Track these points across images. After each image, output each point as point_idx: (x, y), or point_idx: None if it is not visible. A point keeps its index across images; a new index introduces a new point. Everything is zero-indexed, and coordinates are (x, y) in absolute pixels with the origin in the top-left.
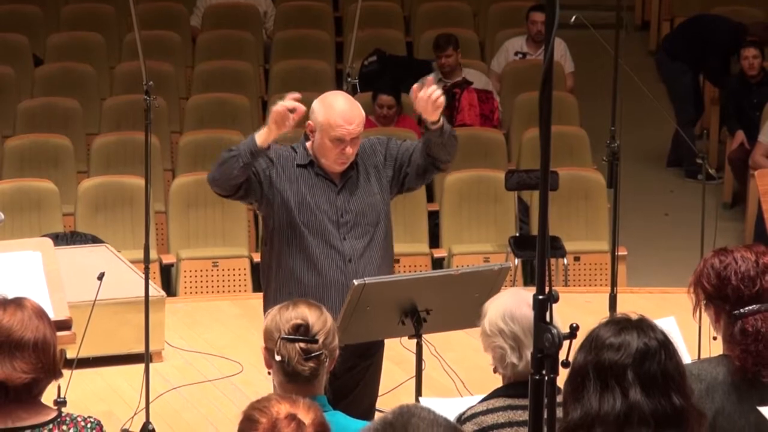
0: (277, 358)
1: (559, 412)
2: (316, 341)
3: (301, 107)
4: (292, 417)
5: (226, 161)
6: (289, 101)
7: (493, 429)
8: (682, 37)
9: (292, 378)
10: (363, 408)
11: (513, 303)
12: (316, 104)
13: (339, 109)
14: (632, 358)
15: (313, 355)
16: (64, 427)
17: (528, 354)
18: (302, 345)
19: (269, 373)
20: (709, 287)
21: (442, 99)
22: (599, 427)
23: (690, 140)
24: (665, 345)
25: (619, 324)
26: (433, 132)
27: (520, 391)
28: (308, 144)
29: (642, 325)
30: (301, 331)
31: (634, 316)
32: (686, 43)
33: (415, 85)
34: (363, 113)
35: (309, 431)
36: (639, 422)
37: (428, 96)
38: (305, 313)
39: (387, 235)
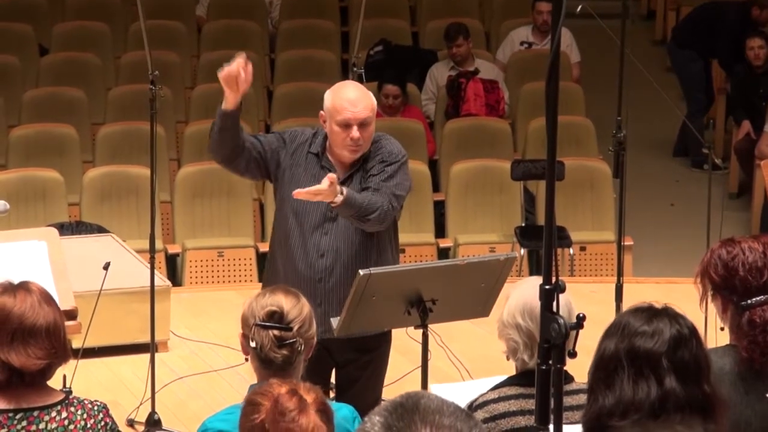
0: (252, 344)
1: (578, 400)
2: (290, 329)
3: (248, 65)
4: (293, 392)
5: (211, 134)
6: (234, 64)
7: (505, 417)
8: (692, 25)
9: (266, 365)
10: (369, 399)
11: (535, 297)
12: (327, 93)
13: (345, 95)
14: (666, 345)
15: (286, 342)
16: (72, 409)
17: None
18: (276, 332)
19: (246, 359)
20: (716, 278)
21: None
22: (634, 414)
23: (699, 129)
24: (695, 333)
25: (649, 312)
26: (338, 209)
27: (532, 380)
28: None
29: (671, 313)
30: (275, 318)
31: (658, 305)
32: (695, 31)
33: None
34: (373, 100)
35: (312, 409)
36: (674, 409)
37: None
38: (281, 301)
39: (376, 237)
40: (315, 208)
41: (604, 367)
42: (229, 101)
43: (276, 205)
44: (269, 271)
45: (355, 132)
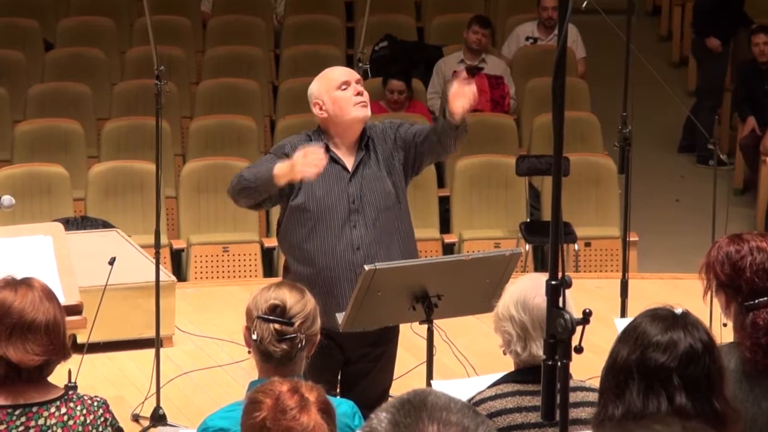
0: (253, 336)
1: (575, 397)
2: (292, 324)
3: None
4: (295, 390)
5: (245, 190)
6: (319, 157)
7: (502, 414)
8: (709, 12)
9: (266, 358)
10: (376, 394)
11: (529, 291)
12: (312, 84)
13: (330, 71)
14: (678, 361)
15: (286, 337)
16: (71, 404)
17: (532, 346)
18: (276, 326)
19: (249, 353)
20: (722, 276)
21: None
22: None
23: (710, 125)
24: (710, 348)
25: (666, 321)
26: (454, 125)
27: (529, 376)
28: (320, 123)
29: (687, 323)
30: (277, 312)
31: (678, 310)
32: (713, 17)
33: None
34: None
35: (314, 408)
36: (684, 426)
37: (465, 92)
38: (284, 295)
39: (399, 218)
40: (338, 203)
41: (615, 375)
42: (285, 179)
43: (288, 211)
44: (296, 269)
45: (357, 86)
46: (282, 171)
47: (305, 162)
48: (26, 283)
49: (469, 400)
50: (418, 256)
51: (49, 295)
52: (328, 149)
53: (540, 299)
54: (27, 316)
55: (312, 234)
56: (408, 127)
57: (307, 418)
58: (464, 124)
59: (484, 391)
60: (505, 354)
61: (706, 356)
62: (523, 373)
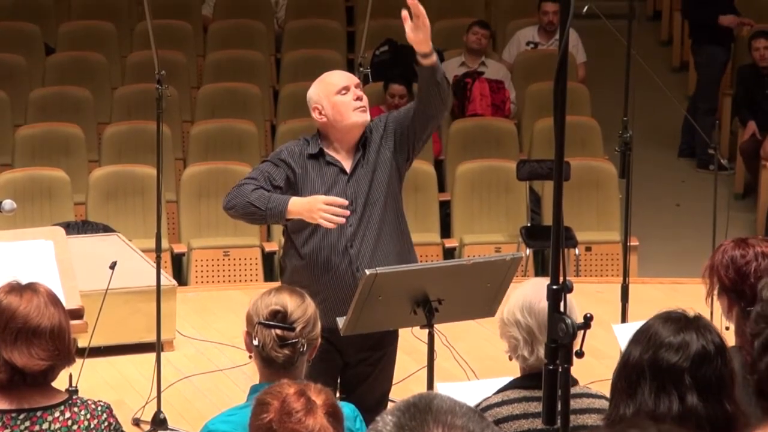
0: (254, 342)
1: (581, 403)
2: (293, 329)
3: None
4: (302, 393)
5: (251, 215)
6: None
7: (509, 420)
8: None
9: (268, 363)
10: (376, 398)
11: (534, 295)
12: (311, 89)
13: (329, 76)
14: (690, 361)
15: (288, 342)
16: (76, 409)
17: (540, 349)
18: (278, 332)
19: (250, 357)
20: (726, 280)
21: (426, 19)
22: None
23: (709, 128)
24: (722, 350)
25: (678, 323)
26: (426, 68)
27: (535, 382)
28: (319, 127)
29: (700, 325)
30: (279, 317)
31: (691, 313)
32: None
33: (404, 13)
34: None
35: (320, 411)
36: (695, 426)
37: (417, 16)
38: (285, 301)
39: (387, 210)
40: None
41: (627, 375)
42: (298, 216)
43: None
44: (295, 273)
45: (357, 91)
46: (296, 209)
47: (326, 209)
48: (31, 288)
49: (476, 407)
50: (412, 246)
51: (54, 300)
52: (324, 154)
53: (545, 303)
54: (32, 321)
55: (310, 238)
56: (396, 112)
57: (312, 421)
58: (434, 61)
59: (490, 397)
60: (511, 359)
61: (718, 358)
62: (530, 379)
